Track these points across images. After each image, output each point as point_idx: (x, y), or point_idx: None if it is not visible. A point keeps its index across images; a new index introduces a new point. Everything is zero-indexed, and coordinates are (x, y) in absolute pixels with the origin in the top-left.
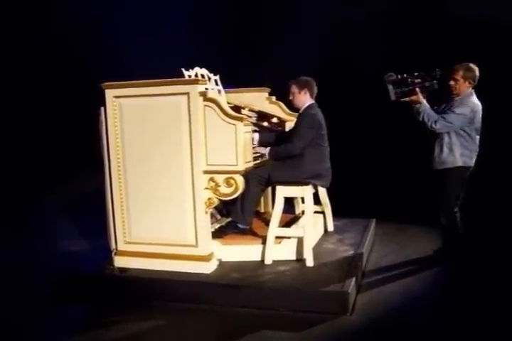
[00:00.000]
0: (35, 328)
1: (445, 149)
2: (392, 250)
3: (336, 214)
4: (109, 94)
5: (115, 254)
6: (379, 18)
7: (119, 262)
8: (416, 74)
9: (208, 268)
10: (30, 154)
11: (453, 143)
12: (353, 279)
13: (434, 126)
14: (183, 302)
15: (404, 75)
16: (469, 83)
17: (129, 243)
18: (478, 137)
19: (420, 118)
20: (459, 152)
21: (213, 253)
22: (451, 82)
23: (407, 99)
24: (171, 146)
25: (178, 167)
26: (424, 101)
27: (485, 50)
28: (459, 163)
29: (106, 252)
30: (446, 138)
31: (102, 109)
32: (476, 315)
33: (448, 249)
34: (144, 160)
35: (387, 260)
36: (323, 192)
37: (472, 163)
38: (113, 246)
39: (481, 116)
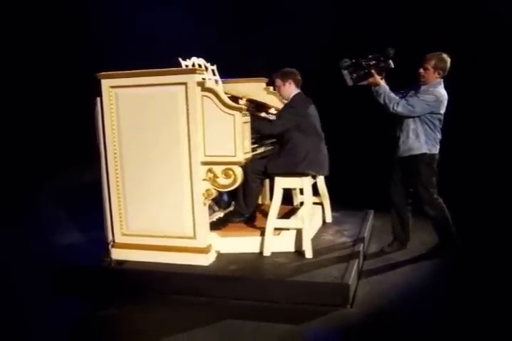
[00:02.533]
0: (32, 320)
1: (411, 135)
2: (390, 241)
3: (334, 206)
4: (105, 84)
5: (112, 246)
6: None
7: (116, 254)
8: (370, 56)
9: (206, 260)
10: (26, 146)
11: (419, 129)
12: (353, 271)
13: (396, 107)
14: (181, 295)
15: (359, 59)
16: (438, 73)
17: (126, 235)
18: (441, 126)
19: (381, 101)
20: (423, 139)
21: (211, 245)
22: (421, 70)
23: (364, 82)
24: (169, 137)
25: (175, 158)
26: (383, 82)
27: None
28: (424, 150)
29: (103, 244)
30: (412, 125)
31: (98, 99)
32: (476, 305)
33: (444, 239)
34: (141, 151)
35: (386, 251)
36: (321, 184)
37: (436, 151)
38: (110, 238)
39: (445, 106)
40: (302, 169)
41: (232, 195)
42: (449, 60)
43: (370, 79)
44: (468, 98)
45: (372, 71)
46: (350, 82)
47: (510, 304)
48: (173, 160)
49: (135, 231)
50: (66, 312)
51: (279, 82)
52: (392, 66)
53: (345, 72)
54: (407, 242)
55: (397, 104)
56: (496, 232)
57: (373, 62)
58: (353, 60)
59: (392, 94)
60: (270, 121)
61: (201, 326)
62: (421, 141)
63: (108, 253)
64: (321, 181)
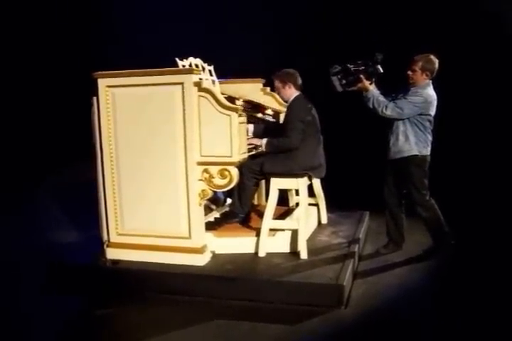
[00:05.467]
0: (26, 320)
1: (401, 137)
2: (386, 242)
3: (329, 207)
4: (102, 83)
5: (107, 246)
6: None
7: (112, 254)
8: (359, 62)
9: (201, 260)
10: (23, 144)
11: (408, 131)
12: (348, 272)
13: (384, 111)
14: (175, 295)
15: (348, 65)
16: (426, 75)
17: (121, 234)
18: (431, 128)
19: (370, 105)
20: (413, 140)
21: (207, 246)
22: (409, 72)
23: (354, 88)
24: (165, 137)
25: (171, 158)
26: (372, 87)
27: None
28: (415, 152)
29: (98, 244)
30: (401, 127)
31: (95, 98)
32: (471, 306)
33: (438, 240)
34: (137, 151)
35: (382, 252)
36: (317, 185)
37: (427, 152)
38: (105, 237)
39: (435, 107)
40: (299, 170)
41: (228, 192)
42: (436, 62)
43: (359, 85)
44: (459, 99)
45: (361, 76)
46: (339, 88)
47: (505, 305)
48: (169, 160)
49: (130, 230)
50: (60, 311)
51: (278, 83)
52: (381, 71)
53: (334, 78)
54: (402, 243)
55: (386, 107)
56: (490, 232)
57: (362, 67)
58: (342, 66)
59: (381, 98)
60: (274, 124)
61: (196, 326)
62: (411, 142)
63: (103, 252)
64: (316, 182)
